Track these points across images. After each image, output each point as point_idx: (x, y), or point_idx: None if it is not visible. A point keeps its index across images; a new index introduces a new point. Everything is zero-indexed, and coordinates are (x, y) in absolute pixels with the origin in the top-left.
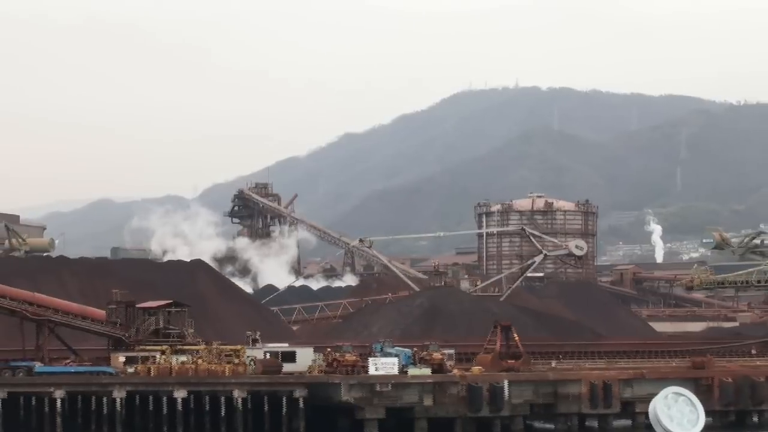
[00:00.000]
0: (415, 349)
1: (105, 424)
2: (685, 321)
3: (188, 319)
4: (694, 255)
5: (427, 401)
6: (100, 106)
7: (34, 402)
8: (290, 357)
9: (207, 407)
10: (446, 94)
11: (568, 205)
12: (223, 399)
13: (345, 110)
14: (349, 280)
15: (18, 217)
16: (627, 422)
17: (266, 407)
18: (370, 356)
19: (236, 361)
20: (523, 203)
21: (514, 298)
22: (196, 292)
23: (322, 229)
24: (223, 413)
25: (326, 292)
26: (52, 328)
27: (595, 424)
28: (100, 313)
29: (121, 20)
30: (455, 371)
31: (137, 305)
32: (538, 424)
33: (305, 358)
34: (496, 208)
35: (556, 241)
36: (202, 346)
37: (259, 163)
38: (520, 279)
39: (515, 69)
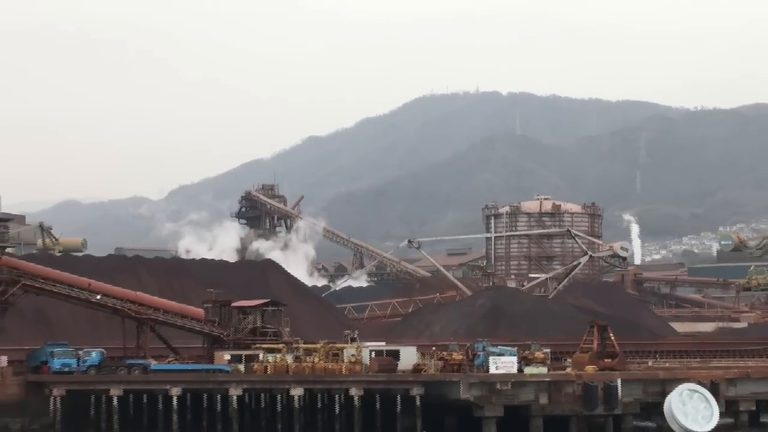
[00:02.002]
0: (516, 348)
1: (219, 422)
2: (692, 321)
3: (284, 317)
4: (656, 257)
5: (543, 399)
6: (64, 109)
7: (145, 399)
8: (394, 356)
9: (319, 405)
10: (408, 98)
11: (575, 207)
12: (337, 397)
13: (309, 114)
14: (362, 280)
15: (24, 217)
16: (729, 420)
17: (378, 405)
18: (474, 355)
19: (353, 359)
20: (531, 205)
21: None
22: (269, 292)
23: (331, 230)
24: (337, 410)
25: (349, 292)
26: (153, 327)
27: None
28: (199, 311)
29: (101, 33)
30: (568, 370)
31: (232, 304)
32: (639, 423)
33: (409, 356)
34: (504, 210)
35: (600, 242)
36: (319, 345)
37: (223, 165)
38: (567, 279)
39: (476, 74)
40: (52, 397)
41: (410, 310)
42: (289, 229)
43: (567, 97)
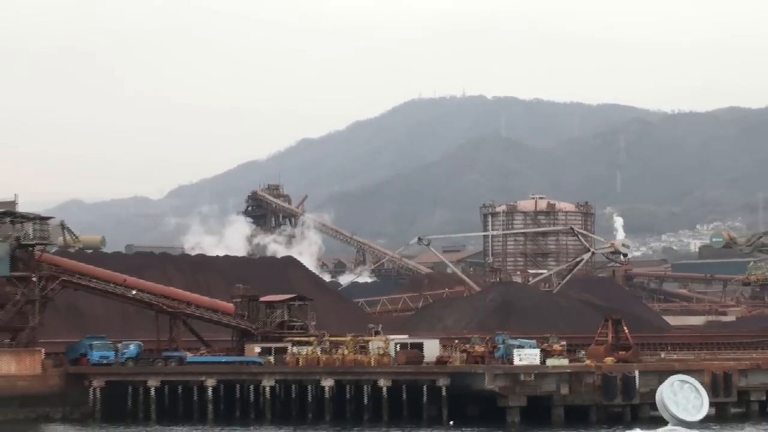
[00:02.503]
0: (534, 340)
1: (252, 411)
2: (682, 315)
3: (310, 312)
4: (636, 254)
5: (564, 390)
6: (69, 117)
7: (180, 390)
8: (418, 348)
9: (348, 395)
10: (397, 102)
11: (569, 206)
12: (365, 387)
13: (302, 117)
14: (365, 276)
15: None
16: (741, 410)
17: (404, 395)
18: (494, 347)
19: (381, 352)
20: (526, 204)
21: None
22: (290, 287)
23: (335, 227)
24: (366, 401)
25: (355, 287)
26: (185, 320)
27: (711, 411)
28: (229, 306)
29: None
30: (588, 362)
31: (260, 299)
32: (655, 413)
33: (432, 349)
34: (500, 208)
35: (602, 239)
36: (347, 338)
37: (220, 166)
38: (570, 274)
39: (462, 79)
40: (91, 388)
41: (420, 305)
42: (293, 227)
43: (550, 101)
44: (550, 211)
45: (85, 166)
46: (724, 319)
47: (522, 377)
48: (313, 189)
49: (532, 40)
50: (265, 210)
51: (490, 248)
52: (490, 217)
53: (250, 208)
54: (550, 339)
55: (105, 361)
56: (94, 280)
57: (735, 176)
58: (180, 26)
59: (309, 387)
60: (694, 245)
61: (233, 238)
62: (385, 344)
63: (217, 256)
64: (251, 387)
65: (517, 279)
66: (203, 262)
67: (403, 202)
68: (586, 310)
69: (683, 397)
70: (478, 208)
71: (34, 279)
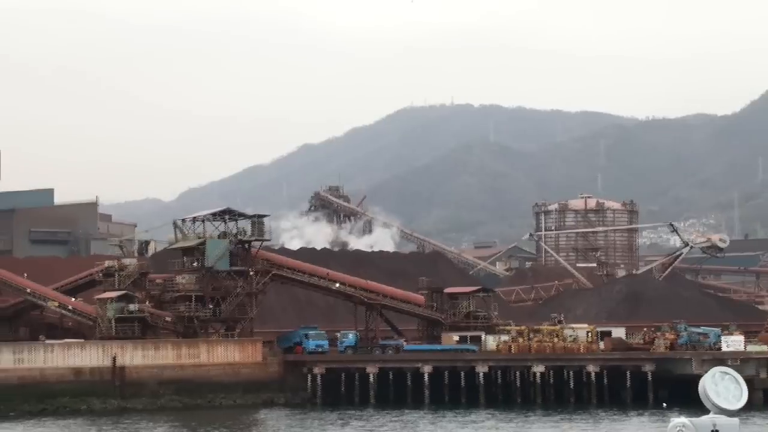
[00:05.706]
0: (717, 328)
1: (463, 396)
2: None
3: (493, 303)
4: None
5: (763, 374)
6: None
7: (391, 376)
8: (607, 336)
9: (551, 380)
10: (391, 110)
11: (616, 205)
12: (567, 373)
13: (304, 125)
14: None
15: (110, 216)
16: None
17: (605, 380)
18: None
19: (589, 340)
20: (577, 203)
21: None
22: (440, 279)
23: (400, 227)
24: (572, 385)
25: None
26: (380, 311)
27: None
28: (419, 297)
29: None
30: None
31: (445, 291)
32: None
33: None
34: (553, 207)
35: (698, 233)
36: (544, 327)
37: (227, 170)
38: (671, 267)
39: (450, 89)
40: (310, 375)
41: (532, 296)
42: (353, 224)
43: (532, 109)
44: (599, 209)
45: (101, 171)
46: (764, 308)
47: (729, 363)
48: (314, 190)
49: (515, 54)
50: (328, 209)
51: (543, 244)
52: (542, 215)
53: (312, 208)
54: (730, 327)
55: (320, 350)
56: (301, 274)
57: (705, 177)
58: (192, 47)
59: (518, 373)
60: (673, 241)
61: (315, 235)
62: (592, 332)
63: (372, 251)
64: (462, 373)
65: (621, 272)
66: (362, 256)
67: (399, 203)
68: (705, 300)
69: (724, 388)
70: (470, 208)
71: (251, 273)
